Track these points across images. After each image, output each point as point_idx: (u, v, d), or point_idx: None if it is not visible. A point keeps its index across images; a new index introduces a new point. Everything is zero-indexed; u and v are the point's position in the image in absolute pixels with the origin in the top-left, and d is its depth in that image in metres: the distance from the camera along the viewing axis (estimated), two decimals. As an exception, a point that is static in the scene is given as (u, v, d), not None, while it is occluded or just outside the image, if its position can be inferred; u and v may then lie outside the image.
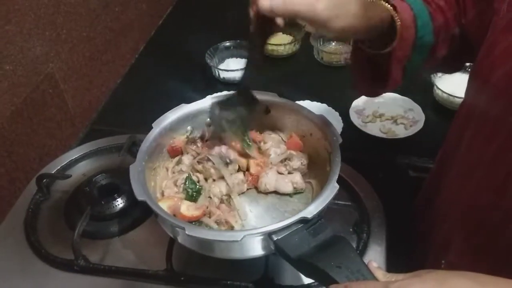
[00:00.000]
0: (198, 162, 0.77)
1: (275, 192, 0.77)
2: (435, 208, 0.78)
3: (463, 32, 0.71)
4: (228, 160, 0.76)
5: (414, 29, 0.68)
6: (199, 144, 0.80)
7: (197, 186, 0.75)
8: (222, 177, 0.76)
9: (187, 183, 0.74)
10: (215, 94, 0.83)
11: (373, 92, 0.76)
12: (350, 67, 0.77)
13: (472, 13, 0.69)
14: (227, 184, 0.75)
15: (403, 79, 0.73)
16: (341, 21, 0.60)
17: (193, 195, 0.74)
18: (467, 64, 1.17)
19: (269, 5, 0.57)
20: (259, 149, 0.80)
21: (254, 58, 0.70)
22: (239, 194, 0.76)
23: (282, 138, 0.82)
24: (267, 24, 0.62)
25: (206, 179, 0.77)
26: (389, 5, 0.66)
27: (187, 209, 0.71)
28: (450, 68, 0.84)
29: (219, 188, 0.75)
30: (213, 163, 0.76)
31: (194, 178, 0.76)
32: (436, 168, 0.83)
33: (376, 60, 0.71)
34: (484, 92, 0.63)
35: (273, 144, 0.80)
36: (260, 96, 0.81)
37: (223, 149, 0.77)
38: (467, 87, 0.69)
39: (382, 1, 0.67)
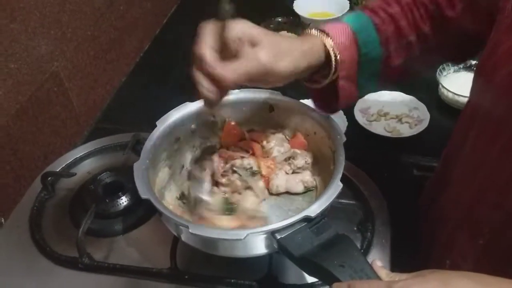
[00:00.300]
0: (222, 175, 0.77)
1: (287, 193, 0.77)
2: (439, 208, 0.77)
3: (449, 26, 0.70)
4: (253, 170, 0.76)
5: (355, 47, 0.67)
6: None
7: (234, 206, 0.75)
8: (247, 187, 0.76)
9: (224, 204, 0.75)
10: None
11: (331, 110, 0.76)
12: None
13: (460, 6, 0.68)
14: (255, 194, 0.75)
15: (362, 92, 0.73)
16: (285, 64, 0.61)
17: (229, 213, 0.74)
18: (473, 62, 1.17)
19: (233, 77, 0.58)
20: (263, 148, 0.80)
21: None
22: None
23: (285, 137, 0.82)
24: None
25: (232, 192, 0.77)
26: (318, 34, 0.66)
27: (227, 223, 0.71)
28: (426, 67, 0.84)
29: (249, 202, 0.75)
30: (240, 175, 0.76)
31: (225, 196, 0.76)
32: (440, 167, 0.82)
33: (327, 86, 0.70)
34: (487, 92, 0.62)
35: (277, 143, 0.80)
36: (264, 94, 0.81)
37: (245, 159, 0.77)
38: (471, 87, 0.68)
39: (313, 34, 0.67)
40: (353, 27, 0.68)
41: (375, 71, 0.71)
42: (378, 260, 0.55)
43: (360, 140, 1.06)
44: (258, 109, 0.82)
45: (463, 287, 0.46)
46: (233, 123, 0.83)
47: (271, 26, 1.36)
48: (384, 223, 0.80)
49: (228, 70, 0.57)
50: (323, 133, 0.76)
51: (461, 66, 1.19)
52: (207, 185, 0.75)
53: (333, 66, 0.66)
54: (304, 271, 0.63)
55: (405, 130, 1.08)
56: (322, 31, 0.67)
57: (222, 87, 0.59)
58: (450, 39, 0.72)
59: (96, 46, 1.18)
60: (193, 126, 0.82)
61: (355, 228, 0.80)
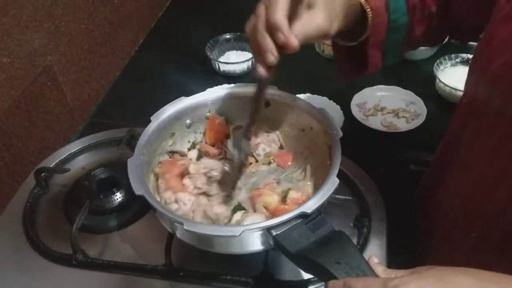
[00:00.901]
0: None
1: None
2: (435, 202, 0.77)
3: (449, 6, 0.70)
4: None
5: (386, 13, 0.68)
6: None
7: None
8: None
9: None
10: (215, 87, 0.82)
11: (355, 76, 0.77)
12: (334, 56, 0.78)
13: None
14: None
15: (385, 61, 0.73)
16: (337, 25, 0.62)
17: None
18: (470, 56, 1.17)
19: (297, 44, 0.58)
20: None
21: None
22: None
23: (279, 139, 0.82)
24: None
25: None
26: None
27: None
28: (433, 42, 0.87)
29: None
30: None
31: None
32: (436, 161, 0.82)
33: (354, 48, 0.71)
34: (483, 83, 0.62)
35: (265, 141, 0.80)
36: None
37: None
38: (466, 79, 0.68)
39: None
40: None
41: (399, 39, 0.71)
42: (374, 256, 0.54)
43: (356, 135, 1.05)
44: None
45: (460, 283, 0.45)
46: (218, 120, 0.82)
47: None
48: (381, 219, 0.79)
49: (294, 38, 0.58)
50: (320, 128, 0.75)
51: (458, 60, 1.18)
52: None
53: (368, 30, 0.67)
54: (300, 268, 0.63)
55: (402, 125, 1.08)
56: None
57: (284, 53, 0.59)
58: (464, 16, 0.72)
59: (90, 40, 1.17)
60: (188, 121, 0.81)
61: (352, 224, 0.80)
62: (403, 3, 0.68)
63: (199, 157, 0.81)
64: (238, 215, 0.71)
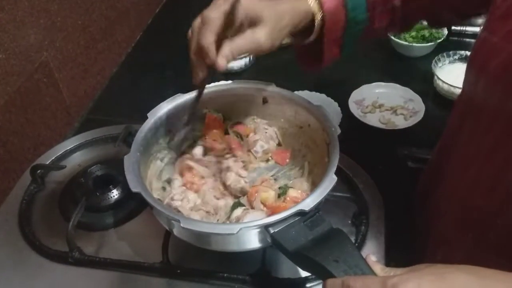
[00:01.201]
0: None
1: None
2: (433, 200, 0.77)
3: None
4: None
5: (343, 11, 0.69)
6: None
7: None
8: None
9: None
10: (212, 84, 0.81)
11: (313, 68, 0.78)
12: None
13: None
14: None
15: (342, 53, 0.74)
16: (280, 39, 0.65)
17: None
18: (468, 53, 1.16)
19: (225, 64, 0.61)
20: (243, 140, 0.81)
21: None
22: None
23: (277, 135, 0.82)
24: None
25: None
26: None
27: None
28: (399, 31, 0.92)
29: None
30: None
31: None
32: (434, 159, 0.82)
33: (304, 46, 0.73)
34: (481, 82, 0.62)
35: (263, 138, 0.79)
36: (258, 85, 0.80)
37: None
38: (464, 77, 0.68)
39: None
40: None
41: (357, 33, 0.73)
42: (372, 255, 0.54)
43: (354, 132, 1.05)
44: (252, 101, 0.81)
45: (459, 281, 0.45)
46: (214, 115, 0.82)
47: None
48: (379, 216, 0.79)
49: (222, 59, 0.61)
50: (317, 125, 0.75)
51: (456, 57, 1.18)
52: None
53: (316, 31, 0.69)
54: (298, 266, 0.63)
55: (400, 122, 1.08)
56: None
57: (213, 69, 0.63)
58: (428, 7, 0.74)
59: (87, 36, 1.16)
60: (185, 117, 0.80)
61: (350, 222, 0.80)
62: (363, 1, 0.70)
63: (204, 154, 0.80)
64: (238, 211, 0.71)
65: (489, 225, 0.64)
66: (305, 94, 1.11)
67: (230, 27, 0.62)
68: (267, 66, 1.25)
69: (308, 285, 0.71)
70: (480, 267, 0.47)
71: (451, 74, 1.12)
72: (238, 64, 1.23)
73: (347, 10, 0.69)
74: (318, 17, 0.68)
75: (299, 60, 0.79)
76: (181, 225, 0.60)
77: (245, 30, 0.63)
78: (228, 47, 0.61)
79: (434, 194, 0.77)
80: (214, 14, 0.61)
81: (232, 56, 0.61)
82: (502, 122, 0.59)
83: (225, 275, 0.72)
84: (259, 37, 0.62)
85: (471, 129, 0.66)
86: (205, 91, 0.80)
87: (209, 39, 0.61)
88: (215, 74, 0.66)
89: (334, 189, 0.63)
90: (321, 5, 0.68)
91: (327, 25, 0.69)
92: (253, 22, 0.63)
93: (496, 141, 0.60)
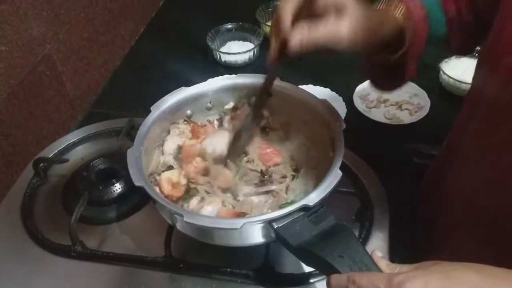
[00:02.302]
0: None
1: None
2: (440, 196, 0.76)
3: (478, 14, 0.69)
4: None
5: (426, 26, 0.66)
6: None
7: None
8: None
9: None
10: (216, 78, 0.81)
11: (392, 87, 0.76)
12: (364, 70, 0.75)
13: None
14: None
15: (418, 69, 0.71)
16: (364, 41, 0.58)
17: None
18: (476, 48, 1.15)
19: (297, 45, 0.56)
20: None
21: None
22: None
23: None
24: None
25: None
26: (400, 10, 0.64)
27: None
28: (467, 52, 0.83)
29: None
30: None
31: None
32: (441, 155, 0.81)
33: (389, 62, 0.68)
34: (492, 79, 0.61)
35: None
36: (262, 79, 0.79)
37: None
38: (474, 73, 0.67)
39: (393, 7, 0.64)
40: (425, 4, 0.67)
41: (436, 49, 0.71)
42: (377, 250, 0.53)
43: (359, 127, 1.04)
44: (257, 95, 0.80)
45: (466, 279, 0.44)
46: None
47: (269, 9, 1.33)
48: (383, 212, 0.78)
49: (295, 40, 0.56)
50: (322, 120, 0.74)
51: (462, 52, 1.17)
52: None
53: (406, 44, 0.64)
54: (302, 261, 0.62)
55: (405, 117, 1.07)
56: (401, 3, 0.64)
57: (286, 50, 0.58)
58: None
59: (90, 29, 1.15)
60: (188, 111, 0.80)
61: (354, 217, 0.79)
62: (442, 16, 0.67)
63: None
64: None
65: (499, 224, 0.63)
66: (309, 88, 1.11)
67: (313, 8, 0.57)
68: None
69: (311, 280, 0.70)
70: (488, 265, 0.46)
71: (457, 69, 1.11)
72: (242, 58, 1.22)
73: (429, 24, 0.66)
74: (409, 25, 0.63)
75: (374, 81, 0.76)
76: (184, 219, 0.59)
77: (329, 18, 0.56)
78: (305, 30, 0.56)
79: (440, 191, 0.76)
80: None
81: (307, 42, 0.56)
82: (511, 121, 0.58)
83: (228, 269, 0.71)
84: (342, 29, 0.55)
85: (480, 126, 0.65)
86: (209, 85, 0.80)
87: (287, 10, 0.56)
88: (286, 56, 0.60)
89: (338, 184, 0.63)
90: (409, 15, 0.64)
91: (414, 38, 0.64)
92: (338, 12, 0.56)
93: (506, 139, 0.59)
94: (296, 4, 0.57)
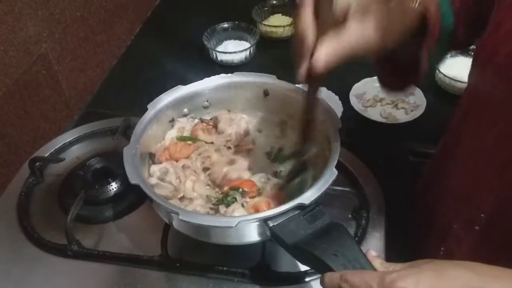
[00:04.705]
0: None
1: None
2: (435, 194, 0.76)
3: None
4: None
5: (439, 16, 0.62)
6: None
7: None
8: None
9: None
10: (212, 77, 0.81)
11: (403, 88, 0.72)
12: (375, 71, 0.72)
13: None
14: None
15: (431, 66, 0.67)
16: (392, 39, 0.55)
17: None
18: (471, 47, 1.15)
19: (324, 63, 0.51)
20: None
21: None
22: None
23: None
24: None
25: None
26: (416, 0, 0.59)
27: None
28: (470, 44, 0.79)
29: None
30: None
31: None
32: (437, 154, 0.81)
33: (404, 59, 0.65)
34: (487, 74, 0.61)
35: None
36: (258, 78, 0.80)
37: None
38: (470, 71, 0.67)
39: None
40: None
41: (446, 43, 0.66)
42: (372, 250, 0.53)
43: (355, 126, 1.04)
44: (253, 93, 0.81)
45: (458, 277, 0.45)
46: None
47: (265, 8, 1.34)
48: (379, 211, 0.79)
49: (320, 61, 0.51)
50: (318, 119, 0.74)
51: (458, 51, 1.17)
52: None
53: (429, 35, 0.59)
54: (297, 260, 0.62)
55: (401, 116, 1.07)
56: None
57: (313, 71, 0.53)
58: None
59: (86, 28, 1.15)
60: (185, 110, 0.80)
61: (350, 216, 0.79)
62: (448, 6, 0.64)
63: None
64: None
65: (495, 222, 0.63)
66: (306, 87, 1.10)
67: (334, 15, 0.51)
68: (268, 58, 1.24)
69: (307, 279, 0.70)
70: (481, 263, 0.46)
71: (453, 68, 1.11)
72: (238, 57, 1.23)
73: (441, 16, 0.61)
74: (430, 12, 0.58)
75: (384, 83, 0.72)
76: (180, 217, 0.60)
77: (352, 22, 0.52)
78: (331, 41, 0.50)
79: (437, 189, 0.76)
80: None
81: (334, 56, 0.51)
82: (506, 116, 0.58)
83: (224, 268, 0.71)
84: (369, 32, 0.51)
85: (476, 123, 0.65)
86: (205, 84, 0.80)
87: (305, 22, 0.51)
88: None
89: (334, 183, 0.63)
90: (425, 4, 0.58)
91: (431, 30, 0.59)
92: (362, 13, 0.52)
93: (501, 135, 0.59)
94: (311, 9, 0.52)
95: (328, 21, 0.52)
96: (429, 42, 0.61)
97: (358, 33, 0.52)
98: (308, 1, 0.53)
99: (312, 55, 0.52)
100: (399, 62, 0.66)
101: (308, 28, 0.53)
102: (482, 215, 0.65)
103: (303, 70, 0.54)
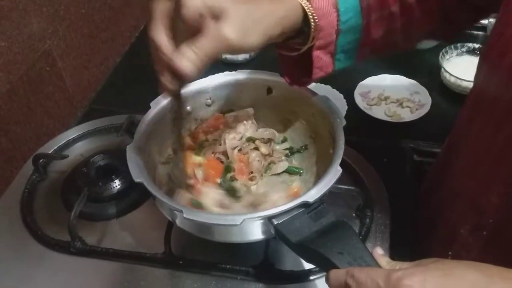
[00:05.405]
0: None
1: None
2: (441, 197, 0.76)
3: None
4: None
5: (335, 14, 0.62)
6: None
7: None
8: None
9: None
10: (216, 74, 0.80)
11: (301, 82, 0.70)
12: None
13: None
14: None
15: (338, 65, 0.66)
16: (255, 37, 0.55)
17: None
18: (477, 46, 1.15)
19: (192, 68, 0.52)
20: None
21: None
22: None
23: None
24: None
25: None
26: None
27: None
28: (408, 42, 0.76)
29: None
30: None
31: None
32: (443, 155, 0.80)
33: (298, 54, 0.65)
34: (494, 77, 0.60)
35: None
36: (262, 75, 0.79)
37: None
38: (476, 72, 0.65)
39: None
40: None
41: (354, 42, 0.65)
42: (379, 248, 0.53)
43: (360, 124, 1.04)
44: (256, 91, 0.80)
45: (466, 277, 0.44)
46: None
47: None
48: (384, 210, 0.78)
49: (185, 62, 0.51)
50: (323, 116, 0.74)
51: (464, 49, 1.16)
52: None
53: (312, 33, 0.61)
54: (302, 258, 0.62)
55: (406, 115, 1.06)
56: None
57: (182, 79, 0.54)
58: (435, 12, 0.67)
59: (90, 25, 1.15)
60: (188, 107, 0.80)
61: (354, 214, 0.79)
62: (356, 4, 0.63)
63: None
64: None
65: (503, 225, 0.62)
66: (310, 85, 1.10)
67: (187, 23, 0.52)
68: (272, 56, 1.23)
69: (311, 277, 0.70)
70: (488, 264, 0.46)
71: (459, 67, 1.11)
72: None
73: (339, 12, 0.61)
74: (311, 12, 0.59)
75: (284, 73, 0.71)
76: (184, 215, 0.59)
77: (207, 26, 0.52)
78: (190, 47, 0.51)
79: (442, 190, 0.75)
80: (155, 9, 0.53)
81: (199, 59, 0.51)
82: None
83: (228, 266, 0.71)
84: (226, 33, 0.52)
85: (482, 125, 0.63)
86: (209, 81, 0.80)
87: (159, 34, 0.52)
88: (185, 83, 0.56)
89: (338, 181, 0.63)
90: (310, 2, 0.60)
91: (319, 28, 0.60)
92: (215, 15, 0.52)
93: (509, 139, 0.58)
94: (166, 23, 0.53)
95: (184, 29, 0.53)
96: (322, 39, 0.61)
97: (214, 35, 0.52)
98: (158, 15, 0.53)
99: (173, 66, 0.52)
100: (295, 59, 0.65)
101: (163, 39, 0.53)
102: (491, 220, 0.64)
103: (167, 78, 0.55)
